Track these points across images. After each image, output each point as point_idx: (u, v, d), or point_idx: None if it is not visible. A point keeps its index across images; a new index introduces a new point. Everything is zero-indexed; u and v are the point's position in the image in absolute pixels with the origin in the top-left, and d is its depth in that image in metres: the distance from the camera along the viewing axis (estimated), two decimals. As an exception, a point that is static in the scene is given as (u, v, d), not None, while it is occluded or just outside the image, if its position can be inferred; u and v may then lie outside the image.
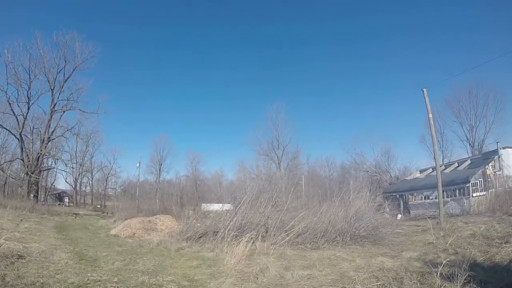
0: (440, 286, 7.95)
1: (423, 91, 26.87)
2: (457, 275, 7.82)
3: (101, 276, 9.44)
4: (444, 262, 9.38)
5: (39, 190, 60.41)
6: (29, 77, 52.00)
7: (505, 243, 13.16)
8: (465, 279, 7.79)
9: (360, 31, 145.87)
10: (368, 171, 74.72)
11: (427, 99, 26.71)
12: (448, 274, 8.32)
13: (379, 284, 8.73)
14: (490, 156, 44.35)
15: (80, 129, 65.15)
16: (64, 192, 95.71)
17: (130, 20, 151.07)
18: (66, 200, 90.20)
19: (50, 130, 54.84)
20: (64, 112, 56.56)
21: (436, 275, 8.38)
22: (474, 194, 37.23)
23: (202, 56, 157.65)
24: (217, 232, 17.19)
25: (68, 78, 55.25)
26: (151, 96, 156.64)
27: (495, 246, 12.90)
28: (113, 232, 22.51)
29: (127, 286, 8.61)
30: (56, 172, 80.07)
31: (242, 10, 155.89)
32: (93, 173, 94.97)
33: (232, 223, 17.24)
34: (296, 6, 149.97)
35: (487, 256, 11.41)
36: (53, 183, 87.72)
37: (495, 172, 41.36)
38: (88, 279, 8.96)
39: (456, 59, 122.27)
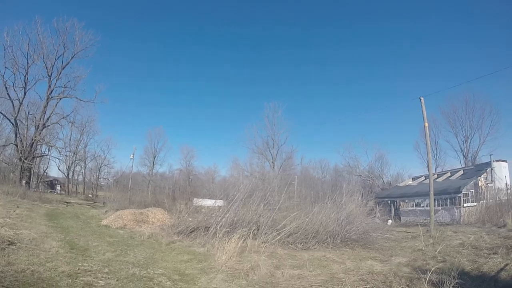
0: (429, 292, 8.06)
1: (420, 100, 27.03)
2: (445, 282, 7.95)
3: (91, 266, 9.44)
4: (432, 269, 9.46)
5: (32, 177, 60.13)
6: (27, 62, 51.77)
7: (493, 254, 13.31)
8: (453, 286, 7.90)
9: (363, 37, 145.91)
10: (361, 175, 74.89)
11: (424, 108, 26.90)
12: (437, 281, 8.44)
13: (368, 287, 8.82)
14: (483, 168, 44.64)
15: (75, 117, 65.30)
16: (56, 179, 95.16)
17: (131, 12, 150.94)
18: (58, 188, 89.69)
19: (46, 117, 54.59)
20: (60, 99, 56.37)
21: (425, 281, 8.46)
22: (465, 205, 37.49)
23: (203, 52, 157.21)
24: (209, 227, 17.20)
25: (66, 65, 55.00)
26: (148, 88, 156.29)
27: (484, 257, 13.05)
28: (104, 222, 22.47)
29: (118, 278, 8.59)
30: (49, 159, 79.59)
31: (245, 8, 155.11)
32: (86, 162, 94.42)
33: (224, 219, 17.26)
34: (299, 9, 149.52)
35: (475, 266, 11.56)
36: (45, 170, 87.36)
37: (487, 184, 41.66)
38: (78, 269, 8.94)
39: (454, 69, 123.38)
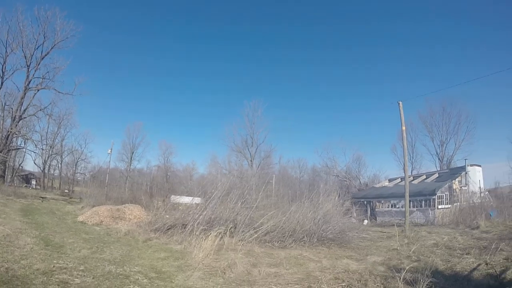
0: (403, 290, 8.21)
1: (399, 104, 27.41)
2: (419, 280, 8.06)
3: (67, 264, 9.25)
4: (407, 268, 9.57)
5: (6, 170, 58.72)
6: (6, 51, 50.26)
7: (466, 254, 13.63)
8: (426, 285, 8.02)
9: (345, 38, 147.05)
10: (338, 175, 75.49)
11: (402, 112, 27.26)
12: (411, 280, 8.55)
13: (344, 285, 8.88)
14: (457, 171, 45.81)
15: (53, 110, 63.35)
16: (31, 174, 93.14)
17: (113, 4, 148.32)
18: (34, 182, 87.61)
19: (22, 108, 53.03)
20: (38, 90, 54.66)
21: (399, 280, 8.57)
22: (440, 206, 38.34)
23: (185, 47, 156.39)
24: (186, 225, 17.10)
25: (45, 55, 53.34)
26: (128, 83, 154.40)
27: (457, 257, 13.35)
28: (80, 218, 22.09)
29: (94, 275, 8.42)
30: (25, 152, 77.21)
31: (229, 5, 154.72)
32: (63, 156, 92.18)
33: (201, 217, 17.19)
34: (283, 8, 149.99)
35: (448, 265, 11.81)
36: (21, 163, 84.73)
37: (461, 187, 42.79)
38: (54, 266, 8.75)
39: (434, 74, 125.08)
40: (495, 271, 9.95)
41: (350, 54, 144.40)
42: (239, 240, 15.38)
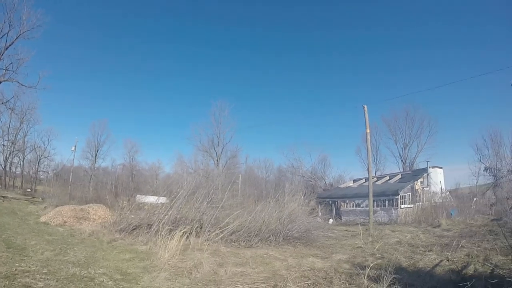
0: (368, 287, 8.36)
1: (364, 107, 27.95)
2: (383, 277, 8.22)
3: (29, 267, 9.02)
4: (371, 265, 9.80)
5: (-36, 168, 57.05)
6: (-32, 40, 47.66)
7: (428, 251, 14.03)
8: (390, 281, 8.18)
9: (313, 42, 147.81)
10: (304, 176, 76.08)
11: (366, 115, 27.78)
12: (375, 276, 8.71)
13: (310, 283, 8.96)
14: (419, 173, 47.32)
15: (15, 104, 61.16)
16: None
17: None
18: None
19: (-17, 102, 50.60)
20: (0, 82, 52.74)
21: (364, 277, 8.75)
22: (402, 206, 39.32)
23: (152, 45, 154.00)
24: (151, 225, 16.94)
25: (10, 45, 49.48)
26: (93, 79, 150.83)
27: (419, 254, 13.72)
28: (43, 219, 21.56)
29: (57, 278, 8.22)
30: (-16, 149, 75.51)
31: (197, 4, 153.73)
32: (25, 153, 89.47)
33: (167, 216, 17.04)
34: (253, 10, 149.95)
35: (411, 262, 12.11)
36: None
37: (423, 188, 44.26)
38: (16, 269, 8.53)
39: (397, 79, 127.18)
40: (457, 266, 10.26)
41: (315, 58, 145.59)
42: (205, 240, 15.35)
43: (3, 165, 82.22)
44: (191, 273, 9.92)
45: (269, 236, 17.10)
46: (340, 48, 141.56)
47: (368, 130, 28.16)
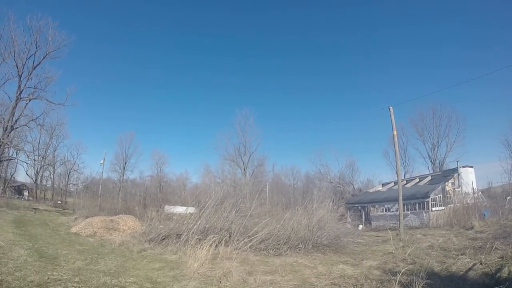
0: (399, 293, 8.24)
1: (389, 109, 27.65)
2: (415, 283, 8.09)
3: (61, 275, 9.14)
4: (402, 271, 9.62)
5: (-2, 182, 58.53)
6: (-3, 60, 49.40)
7: (461, 254, 13.64)
8: (422, 286, 8.05)
9: (335, 46, 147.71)
10: (332, 182, 75.40)
11: (392, 117, 27.45)
12: (407, 282, 8.55)
13: (340, 290, 8.93)
14: (450, 173, 45.98)
15: (45, 120, 63.14)
16: (24, 185, 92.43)
17: (106, 14, 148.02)
18: (26, 193, 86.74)
19: (14, 119, 52.25)
20: (30, 100, 53.82)
21: (395, 283, 8.62)
22: (433, 209, 38.35)
23: (176, 57, 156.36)
24: (180, 235, 17.04)
25: (37, 65, 52.77)
26: (120, 93, 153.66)
27: (452, 258, 13.36)
28: (73, 230, 21.99)
29: (89, 287, 8.35)
30: (17, 163, 76.90)
31: (224, 15, 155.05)
32: (55, 167, 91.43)
33: (195, 226, 17.14)
34: (275, 18, 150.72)
35: (444, 266, 11.82)
36: (13, 174, 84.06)
37: (454, 188, 42.87)
38: (48, 278, 8.67)
39: (423, 78, 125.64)
40: (491, 270, 10.01)
41: (340, 62, 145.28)
42: (234, 249, 15.33)
43: (34, 179, 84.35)
44: (220, 282, 9.90)
45: (298, 244, 16.97)
46: (363, 49, 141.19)
47: (395, 132, 27.86)
